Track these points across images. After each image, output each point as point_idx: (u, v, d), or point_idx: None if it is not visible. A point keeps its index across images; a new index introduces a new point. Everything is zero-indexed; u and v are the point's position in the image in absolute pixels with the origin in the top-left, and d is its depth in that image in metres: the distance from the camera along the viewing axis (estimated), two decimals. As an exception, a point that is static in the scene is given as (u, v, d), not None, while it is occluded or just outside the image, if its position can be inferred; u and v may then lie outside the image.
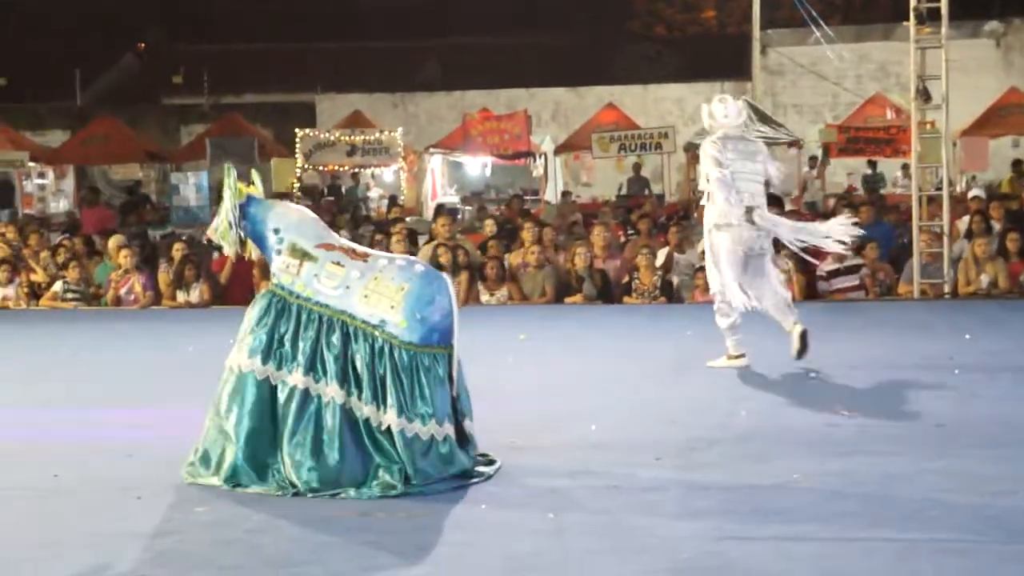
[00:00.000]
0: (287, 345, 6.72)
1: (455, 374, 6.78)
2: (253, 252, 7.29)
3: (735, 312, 10.30)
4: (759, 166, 10.44)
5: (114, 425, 8.60)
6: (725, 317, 10.41)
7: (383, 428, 6.56)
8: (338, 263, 6.84)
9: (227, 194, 7.10)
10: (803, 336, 10.08)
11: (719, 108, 10.49)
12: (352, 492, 6.47)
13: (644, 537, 5.70)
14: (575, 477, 6.81)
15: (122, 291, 16.34)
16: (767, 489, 6.48)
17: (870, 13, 39.70)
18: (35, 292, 16.73)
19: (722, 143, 10.33)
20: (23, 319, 15.59)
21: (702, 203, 10.76)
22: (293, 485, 6.54)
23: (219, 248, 7.30)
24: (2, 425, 8.70)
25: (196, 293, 15.94)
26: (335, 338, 6.66)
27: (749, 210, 10.19)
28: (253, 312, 6.86)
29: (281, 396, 6.67)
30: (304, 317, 6.73)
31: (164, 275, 16.53)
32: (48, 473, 7.11)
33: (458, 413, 6.80)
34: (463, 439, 6.82)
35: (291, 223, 7.05)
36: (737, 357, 10.45)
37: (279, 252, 6.94)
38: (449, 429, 6.68)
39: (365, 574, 5.31)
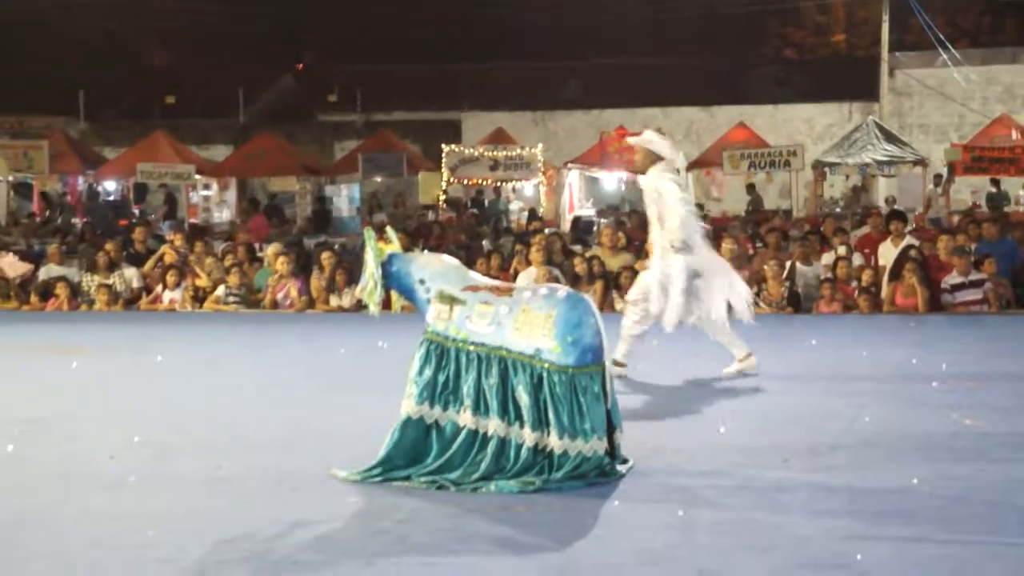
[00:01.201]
0: (451, 387, 6.82)
1: (608, 389, 6.81)
2: (397, 305, 7.40)
3: (649, 326, 10.41)
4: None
5: (272, 420, 8.74)
6: (638, 325, 10.43)
7: (546, 451, 6.62)
8: (486, 302, 6.91)
9: (370, 256, 7.20)
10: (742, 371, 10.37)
11: (666, 142, 10.48)
12: (492, 487, 6.53)
13: (771, 535, 5.66)
14: (705, 476, 6.79)
15: (279, 295, 16.60)
16: (891, 492, 6.40)
17: (997, 36, 38.97)
18: (199, 296, 17.07)
19: (674, 174, 10.39)
20: (188, 321, 15.92)
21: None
22: (438, 483, 6.63)
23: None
24: (170, 418, 8.90)
25: (347, 298, 16.13)
26: (493, 374, 6.74)
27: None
28: (415, 360, 6.94)
29: (447, 434, 6.80)
30: (463, 359, 6.82)
31: (317, 281, 16.75)
32: (212, 464, 7.27)
33: (610, 425, 6.82)
34: (612, 449, 6.84)
35: (435, 272, 7.14)
36: (622, 365, 10.33)
37: (428, 301, 7.03)
38: (605, 443, 6.72)
39: (507, 563, 5.35)
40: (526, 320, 6.78)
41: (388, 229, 7.53)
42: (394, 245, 7.34)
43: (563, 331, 6.71)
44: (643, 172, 10.39)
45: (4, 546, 5.65)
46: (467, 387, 6.78)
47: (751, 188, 28.97)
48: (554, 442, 6.61)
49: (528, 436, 6.66)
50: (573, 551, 5.51)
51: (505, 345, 6.77)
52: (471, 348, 6.81)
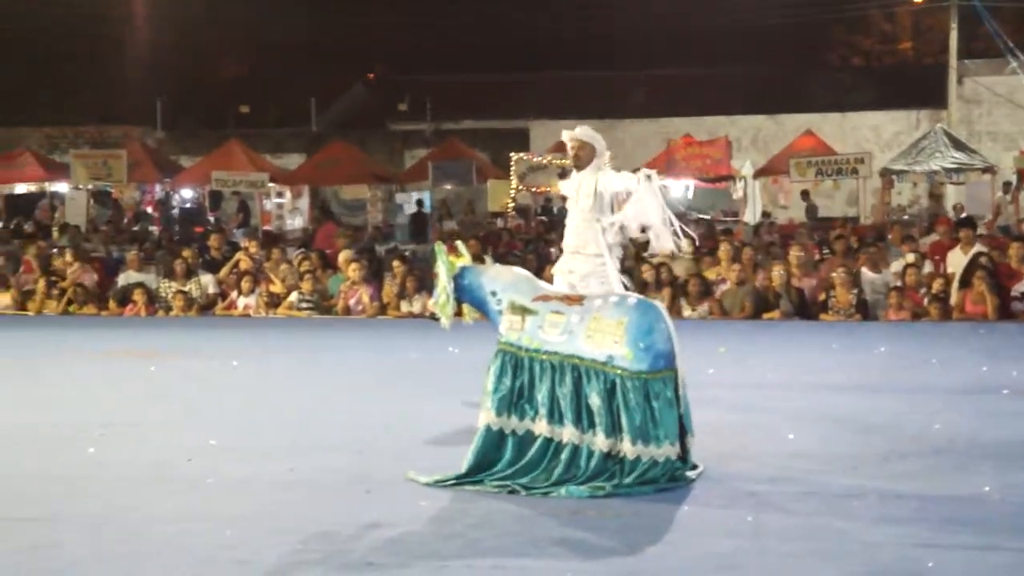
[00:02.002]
0: (525, 396, 6.83)
1: (681, 394, 6.78)
2: (468, 316, 7.39)
3: None
4: None
5: (344, 423, 8.78)
6: None
7: (619, 456, 6.60)
8: (557, 311, 6.91)
9: (442, 270, 7.21)
10: None
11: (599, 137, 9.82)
12: (563, 491, 6.52)
13: (841, 541, 5.62)
14: (774, 483, 6.75)
15: (351, 301, 16.66)
16: (961, 500, 6.34)
17: (1067, 43, 38.46)
18: (273, 302, 17.18)
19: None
20: (262, 326, 16.02)
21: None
22: (511, 488, 6.63)
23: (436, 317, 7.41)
24: (245, 422, 8.97)
25: (418, 304, 16.16)
26: (567, 382, 6.73)
27: None
28: (490, 372, 6.95)
29: (522, 442, 6.82)
30: (537, 368, 6.82)
31: (389, 287, 16.80)
32: (287, 466, 7.31)
33: (682, 430, 6.79)
34: (684, 454, 6.82)
35: (506, 283, 7.15)
36: None
37: (500, 312, 7.04)
38: (678, 448, 6.69)
39: (577, 567, 5.34)
40: (597, 328, 6.77)
41: (459, 243, 7.53)
42: (465, 258, 7.34)
43: (635, 337, 6.69)
44: (582, 168, 9.46)
45: (83, 547, 5.72)
46: (541, 396, 6.77)
47: (805, 195, 28.77)
48: (627, 448, 6.60)
49: (601, 443, 6.65)
50: (643, 556, 5.50)
51: (578, 353, 6.76)
52: (544, 357, 6.81)
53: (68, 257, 19.45)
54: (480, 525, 6.02)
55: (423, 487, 6.74)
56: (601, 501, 6.39)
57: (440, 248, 7.34)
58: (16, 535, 5.87)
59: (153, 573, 5.32)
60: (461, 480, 6.75)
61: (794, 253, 16.56)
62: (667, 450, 6.62)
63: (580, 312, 6.88)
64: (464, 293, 7.24)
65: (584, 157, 9.59)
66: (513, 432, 6.83)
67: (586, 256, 9.35)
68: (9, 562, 5.45)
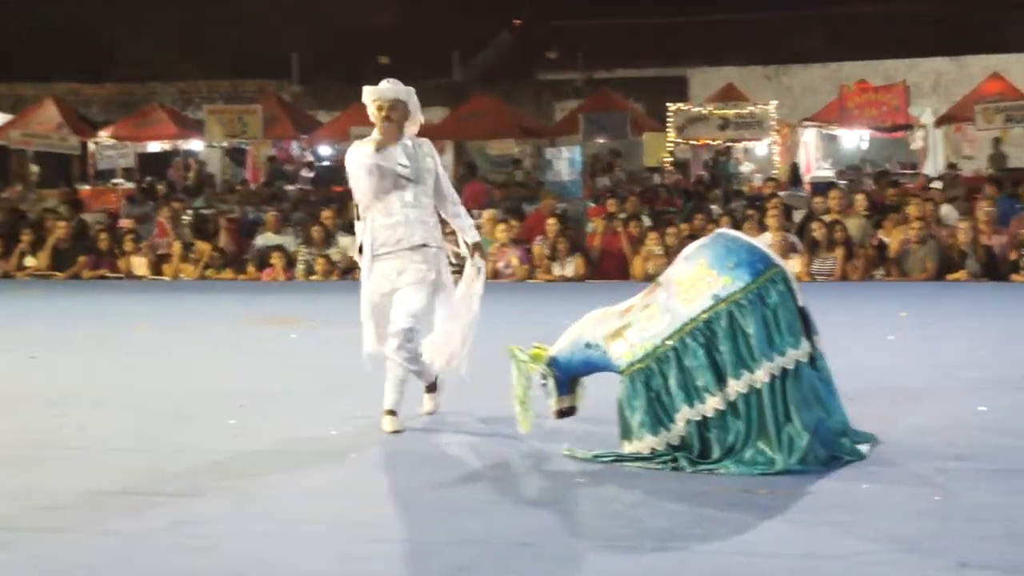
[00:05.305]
0: (664, 401, 6.78)
1: (795, 289, 6.71)
2: (579, 400, 7.35)
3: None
4: None
5: (497, 394, 8.79)
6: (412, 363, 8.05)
7: (756, 388, 6.54)
8: (646, 306, 6.96)
9: (516, 378, 7.21)
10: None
11: None
12: (733, 468, 6.49)
13: (1038, 524, 5.50)
14: (963, 459, 6.62)
15: (499, 264, 16.73)
16: None
17: None
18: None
19: None
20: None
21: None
22: (674, 460, 6.62)
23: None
24: (407, 393, 9.05)
25: (571, 267, 16.19)
26: (691, 350, 6.68)
27: None
28: (623, 404, 6.90)
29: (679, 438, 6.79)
30: (664, 367, 6.76)
31: (539, 249, 16.83)
32: (439, 440, 7.39)
33: (809, 328, 6.71)
34: (813, 354, 6.73)
35: (592, 329, 7.15)
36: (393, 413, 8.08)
37: (605, 352, 7.02)
38: (807, 347, 6.64)
39: (747, 550, 5.29)
40: (687, 287, 6.81)
41: (533, 343, 7.42)
42: (544, 348, 7.32)
43: (721, 264, 6.75)
44: (396, 136, 8.36)
45: (227, 524, 5.83)
46: (675, 388, 6.71)
47: (996, 143, 28.13)
48: (762, 374, 6.53)
49: (736, 387, 6.58)
50: (818, 538, 5.42)
51: (688, 318, 6.73)
52: (663, 349, 6.76)
53: (225, 222, 20.01)
54: (642, 504, 6.01)
55: (581, 463, 6.76)
56: (772, 478, 6.34)
57: (513, 351, 7.31)
58: (157, 511, 6.01)
59: (299, 552, 5.41)
60: (622, 456, 6.76)
61: (982, 208, 16.21)
62: (804, 349, 6.57)
63: (664, 290, 6.93)
64: (567, 371, 7.22)
65: (398, 120, 8.29)
66: (679, 438, 6.76)
67: (430, 251, 8.35)
68: (151, 540, 5.57)
